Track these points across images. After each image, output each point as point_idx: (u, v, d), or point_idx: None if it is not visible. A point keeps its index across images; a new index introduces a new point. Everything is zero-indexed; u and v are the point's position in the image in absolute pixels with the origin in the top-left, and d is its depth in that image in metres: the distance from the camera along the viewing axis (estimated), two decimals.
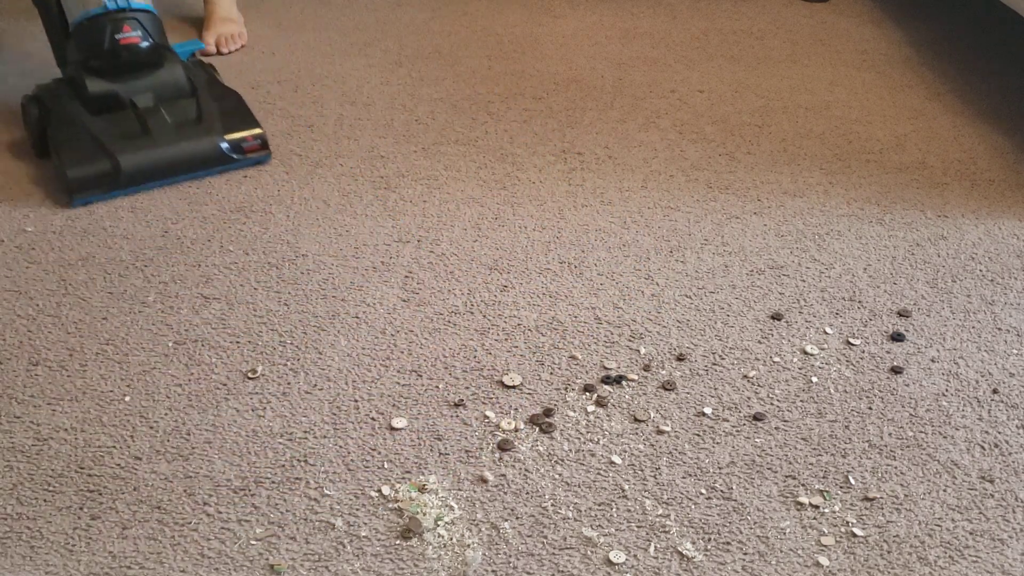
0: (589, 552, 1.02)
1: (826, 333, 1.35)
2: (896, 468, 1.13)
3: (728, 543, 1.03)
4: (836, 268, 1.49)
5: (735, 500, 1.09)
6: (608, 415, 1.20)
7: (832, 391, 1.25)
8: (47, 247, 1.50)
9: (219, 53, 2.18)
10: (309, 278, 1.44)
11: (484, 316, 1.37)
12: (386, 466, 1.12)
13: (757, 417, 1.20)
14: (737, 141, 1.86)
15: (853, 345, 1.33)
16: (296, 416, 1.19)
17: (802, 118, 1.95)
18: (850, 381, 1.26)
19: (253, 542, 1.02)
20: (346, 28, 2.35)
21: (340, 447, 1.14)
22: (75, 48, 1.67)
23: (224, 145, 1.68)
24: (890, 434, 1.18)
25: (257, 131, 1.72)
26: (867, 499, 1.09)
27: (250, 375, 1.24)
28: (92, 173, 1.59)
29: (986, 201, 1.68)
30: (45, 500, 1.06)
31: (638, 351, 1.31)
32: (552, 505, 1.08)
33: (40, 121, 1.67)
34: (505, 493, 1.09)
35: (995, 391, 1.25)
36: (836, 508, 1.08)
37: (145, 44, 1.66)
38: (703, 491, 1.10)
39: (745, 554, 1.02)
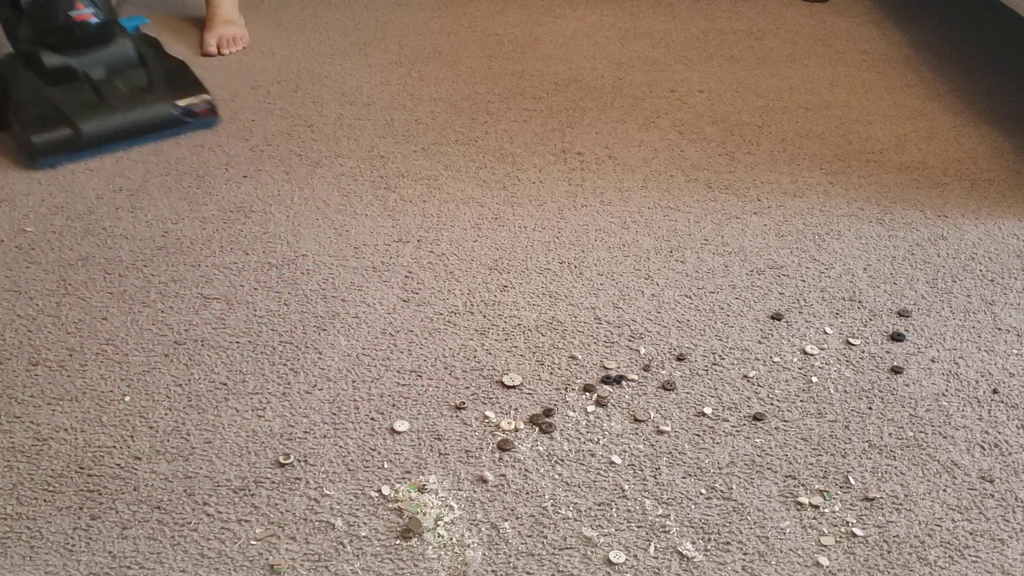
0: (589, 552, 1.02)
1: (826, 333, 1.35)
2: (896, 468, 1.13)
3: (728, 543, 1.03)
4: (836, 268, 1.49)
5: (735, 500, 1.09)
6: (608, 415, 1.20)
7: (832, 391, 1.25)
8: (47, 247, 1.50)
9: (220, 54, 2.18)
10: (309, 278, 1.44)
11: (484, 316, 1.37)
12: (386, 466, 1.12)
13: (757, 417, 1.20)
14: (737, 141, 1.86)
15: (853, 345, 1.33)
16: (296, 416, 1.19)
17: (802, 118, 1.95)
18: (850, 381, 1.26)
19: (253, 542, 1.02)
20: (346, 28, 2.35)
21: (340, 447, 1.14)
22: (29, 25, 1.80)
23: (176, 110, 1.81)
24: (890, 434, 1.18)
25: (205, 96, 1.86)
26: (867, 499, 1.09)
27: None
28: (55, 138, 1.71)
29: (986, 201, 1.68)
30: (45, 500, 1.06)
31: (638, 351, 1.31)
32: (552, 505, 1.08)
33: None
34: (505, 493, 1.09)
35: (995, 391, 1.25)
36: (836, 508, 1.08)
37: (97, 20, 1.81)
38: (703, 491, 1.10)
39: (745, 554, 1.02)
